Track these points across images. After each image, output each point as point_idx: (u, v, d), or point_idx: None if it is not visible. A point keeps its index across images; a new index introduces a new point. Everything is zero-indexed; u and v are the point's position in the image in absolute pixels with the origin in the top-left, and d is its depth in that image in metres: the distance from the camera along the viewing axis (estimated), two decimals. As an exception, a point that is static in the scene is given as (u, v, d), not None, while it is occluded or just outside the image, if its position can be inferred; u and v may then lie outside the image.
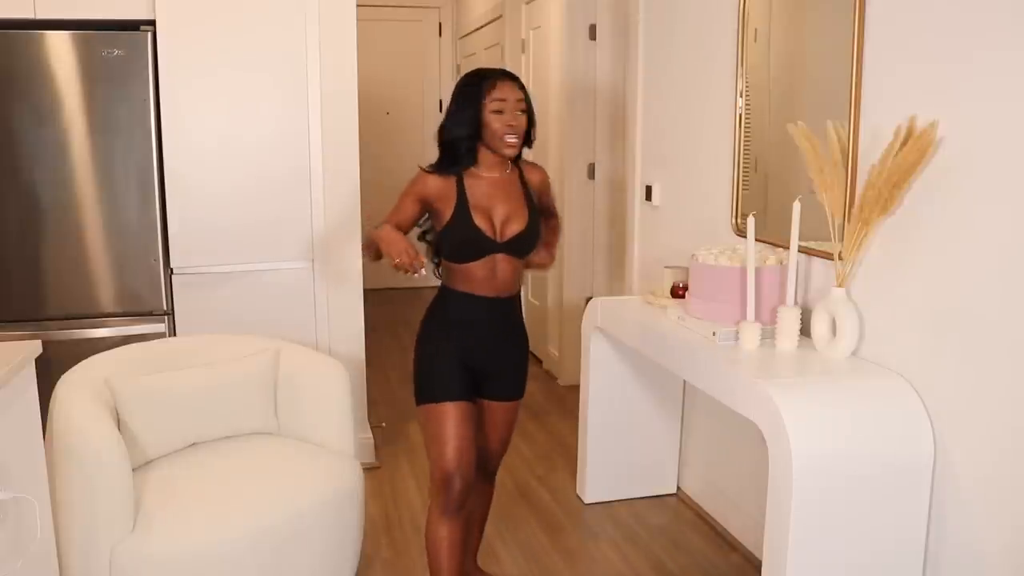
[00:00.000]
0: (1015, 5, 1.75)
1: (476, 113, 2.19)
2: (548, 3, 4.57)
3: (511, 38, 5.24)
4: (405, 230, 2.20)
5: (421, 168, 2.28)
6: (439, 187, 2.22)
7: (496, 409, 2.39)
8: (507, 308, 2.32)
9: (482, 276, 2.24)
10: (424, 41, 7.01)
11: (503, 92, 2.19)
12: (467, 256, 2.22)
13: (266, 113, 3.26)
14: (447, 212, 2.20)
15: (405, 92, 7.00)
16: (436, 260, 2.33)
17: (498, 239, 2.22)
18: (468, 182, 2.23)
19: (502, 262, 2.24)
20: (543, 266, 2.41)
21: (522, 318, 2.41)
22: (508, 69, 2.32)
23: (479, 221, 2.20)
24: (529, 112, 2.24)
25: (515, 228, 2.24)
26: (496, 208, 2.23)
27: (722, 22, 2.84)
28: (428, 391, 2.26)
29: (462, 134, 2.20)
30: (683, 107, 3.17)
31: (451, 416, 2.22)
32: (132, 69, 3.09)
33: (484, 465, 2.44)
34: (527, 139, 2.27)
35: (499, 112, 2.18)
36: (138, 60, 3.09)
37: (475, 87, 2.20)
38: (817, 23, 2.49)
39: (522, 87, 2.24)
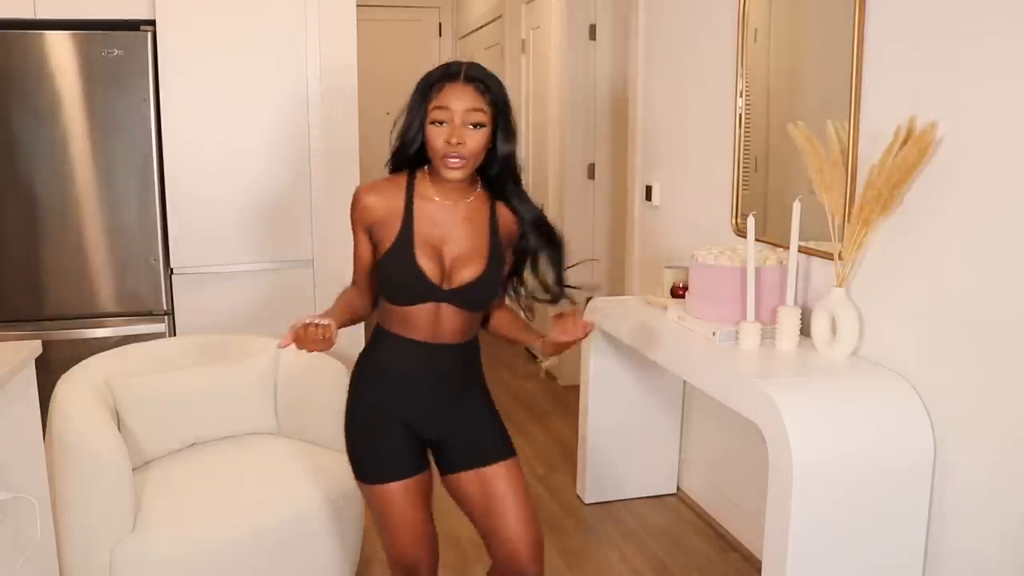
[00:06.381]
0: (1015, 5, 1.75)
1: (420, 121, 1.75)
2: (548, 3, 4.57)
3: (511, 38, 5.24)
4: (369, 269, 1.85)
5: (359, 187, 1.84)
6: (381, 208, 1.79)
7: (486, 480, 1.86)
8: (458, 355, 1.86)
9: (424, 322, 1.80)
10: (424, 41, 7.00)
11: (448, 98, 1.69)
12: (403, 300, 1.80)
13: (266, 113, 3.25)
14: (388, 240, 1.78)
15: (405, 92, 6.95)
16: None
17: (444, 285, 1.78)
18: (419, 205, 1.79)
19: (448, 311, 1.80)
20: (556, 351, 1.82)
21: (479, 366, 1.95)
22: (482, 65, 1.78)
23: (423, 260, 1.76)
24: (501, 128, 1.73)
25: (468, 275, 1.78)
26: (449, 244, 1.79)
27: (722, 22, 2.84)
28: (367, 468, 1.84)
29: (408, 149, 1.79)
30: (683, 107, 3.17)
31: (399, 500, 1.82)
32: (132, 69, 3.09)
33: (518, 573, 1.86)
34: (493, 167, 1.78)
35: (439, 123, 1.71)
36: (138, 60, 3.09)
37: (424, 87, 1.76)
38: (817, 23, 2.49)
39: (488, 91, 1.72)
